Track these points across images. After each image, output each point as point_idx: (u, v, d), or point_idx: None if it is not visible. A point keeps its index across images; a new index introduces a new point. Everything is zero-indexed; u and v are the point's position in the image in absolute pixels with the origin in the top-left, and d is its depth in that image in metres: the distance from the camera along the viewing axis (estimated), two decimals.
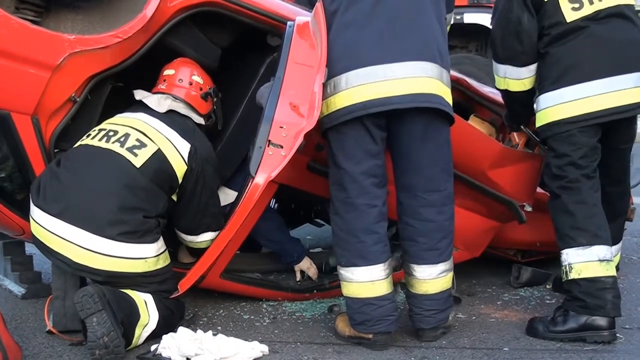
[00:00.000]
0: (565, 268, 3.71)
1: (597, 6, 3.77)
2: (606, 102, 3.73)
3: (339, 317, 3.83)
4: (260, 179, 3.44)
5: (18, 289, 4.48)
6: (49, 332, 3.73)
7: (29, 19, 3.71)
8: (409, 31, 3.50)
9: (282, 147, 3.43)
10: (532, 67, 3.95)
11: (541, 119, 3.85)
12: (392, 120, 3.53)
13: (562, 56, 3.77)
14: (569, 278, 3.70)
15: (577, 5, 3.76)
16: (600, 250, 3.68)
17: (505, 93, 4.14)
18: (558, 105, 3.77)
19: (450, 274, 3.73)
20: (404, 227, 3.67)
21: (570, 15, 3.76)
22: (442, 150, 3.62)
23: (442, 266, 3.66)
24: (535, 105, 3.93)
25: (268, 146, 3.44)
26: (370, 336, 3.59)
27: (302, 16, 4.00)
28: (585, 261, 3.67)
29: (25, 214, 3.67)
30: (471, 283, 4.58)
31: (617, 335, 3.63)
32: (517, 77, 3.98)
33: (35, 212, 3.58)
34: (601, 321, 3.63)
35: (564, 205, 3.76)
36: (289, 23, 3.89)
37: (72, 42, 3.66)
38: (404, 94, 3.43)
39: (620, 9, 3.82)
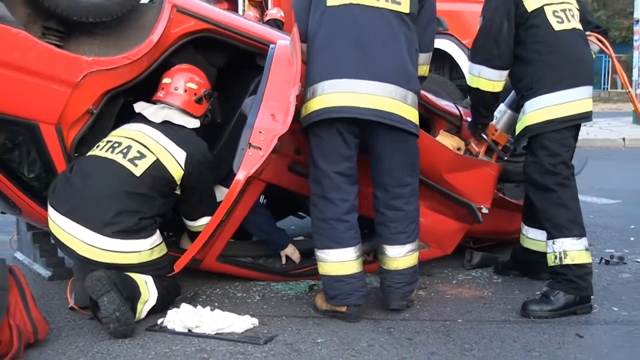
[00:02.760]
0: (560, 254, 3.75)
1: (573, 24, 3.89)
2: (586, 106, 3.86)
3: (318, 294, 3.88)
4: (241, 175, 3.44)
5: (45, 272, 4.48)
6: (71, 308, 3.76)
7: (54, 43, 3.73)
8: (382, 56, 3.56)
9: (260, 148, 3.43)
10: (504, 73, 3.98)
11: (536, 118, 3.84)
12: (365, 129, 3.60)
13: (558, 64, 3.82)
14: (563, 263, 3.74)
15: (559, 20, 3.85)
16: (586, 241, 3.80)
17: (474, 92, 4.10)
18: (556, 106, 3.81)
19: (416, 254, 3.80)
20: (379, 215, 3.76)
21: (556, 25, 3.84)
22: (408, 155, 3.69)
23: (409, 246, 3.74)
24: (525, 107, 3.91)
25: (249, 148, 3.45)
26: (344, 309, 3.65)
27: (282, 40, 4.05)
28: (579, 250, 3.75)
29: None
30: (430, 265, 4.61)
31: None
32: (488, 78, 3.97)
33: (50, 210, 3.61)
34: (585, 299, 3.77)
35: (560, 200, 3.80)
36: (270, 45, 3.93)
37: (89, 62, 3.70)
38: (367, 107, 3.50)
39: (582, 32, 3.96)
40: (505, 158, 4.40)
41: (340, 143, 3.59)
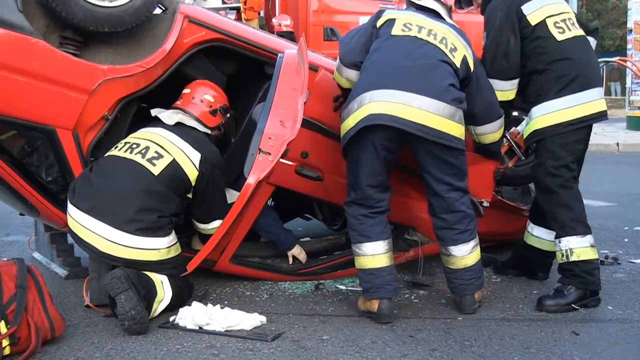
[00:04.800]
0: (567, 252, 3.78)
1: (574, 33, 3.91)
2: (593, 108, 3.85)
3: (361, 295, 3.84)
4: (252, 179, 3.45)
5: (62, 271, 4.49)
6: (87, 306, 3.76)
7: (71, 52, 3.74)
8: (434, 78, 3.56)
9: (270, 154, 3.44)
10: (515, 82, 3.99)
11: (541, 123, 3.86)
12: (411, 142, 3.60)
13: (564, 71, 3.83)
14: (570, 260, 3.77)
15: (561, 31, 3.88)
16: (591, 238, 3.82)
17: None
18: (561, 110, 3.82)
19: (479, 247, 3.80)
20: (439, 220, 3.75)
21: (558, 36, 3.86)
22: (455, 165, 3.66)
23: (473, 242, 3.75)
24: (532, 113, 3.93)
25: (259, 153, 3.46)
26: (376, 307, 3.63)
27: (290, 49, 4.05)
28: (584, 247, 3.78)
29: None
30: (431, 265, 4.59)
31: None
32: (502, 89, 3.98)
33: (70, 208, 3.61)
34: (595, 292, 3.82)
35: (562, 201, 3.83)
36: (279, 55, 3.95)
37: (105, 71, 3.72)
38: (414, 122, 3.48)
39: (585, 38, 3.98)
40: (523, 159, 4.43)
41: (374, 160, 3.60)
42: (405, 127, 3.48)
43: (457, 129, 3.58)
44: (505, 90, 4.01)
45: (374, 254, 3.66)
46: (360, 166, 3.63)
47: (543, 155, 3.89)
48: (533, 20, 3.90)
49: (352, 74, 3.79)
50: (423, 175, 3.72)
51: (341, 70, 3.85)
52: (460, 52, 3.71)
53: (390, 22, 3.72)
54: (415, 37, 3.65)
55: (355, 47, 3.79)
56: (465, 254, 3.72)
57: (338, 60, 3.88)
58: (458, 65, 3.67)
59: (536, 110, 3.91)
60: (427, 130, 3.50)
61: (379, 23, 3.76)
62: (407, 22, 3.70)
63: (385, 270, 3.67)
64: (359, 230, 3.69)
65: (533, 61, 3.91)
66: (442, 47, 3.64)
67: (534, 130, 3.91)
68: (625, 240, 5.56)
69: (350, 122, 3.59)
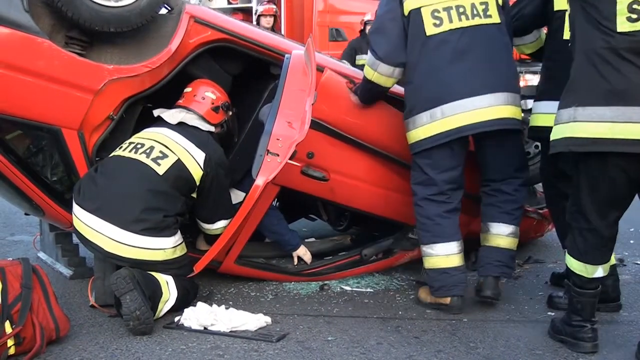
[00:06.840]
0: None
1: None
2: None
3: (421, 288, 3.93)
4: (260, 180, 3.45)
5: (67, 271, 4.48)
6: (92, 306, 3.75)
7: (76, 52, 3.73)
8: (491, 68, 3.65)
9: (278, 155, 3.44)
10: (525, 38, 3.96)
11: (541, 121, 3.79)
12: (478, 137, 3.73)
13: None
14: None
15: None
16: None
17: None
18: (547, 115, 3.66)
19: (517, 239, 3.84)
20: (489, 197, 3.85)
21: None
22: (515, 153, 3.84)
23: (512, 227, 3.81)
24: (533, 106, 3.93)
25: (267, 154, 3.45)
26: (448, 301, 3.71)
27: (297, 50, 4.05)
28: None
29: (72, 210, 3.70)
30: None
31: None
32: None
33: (76, 208, 3.61)
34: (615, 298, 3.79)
35: (555, 215, 3.87)
36: (286, 55, 3.94)
37: (110, 71, 3.71)
38: (489, 119, 3.61)
39: None
40: None
41: (449, 157, 3.70)
42: (485, 128, 3.62)
43: (518, 113, 3.73)
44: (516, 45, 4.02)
45: (448, 254, 3.70)
46: (434, 163, 3.69)
47: (542, 160, 3.90)
48: (557, 5, 3.69)
49: (398, 71, 3.79)
50: (484, 166, 3.84)
51: (383, 70, 3.77)
52: (492, 2, 3.71)
53: (416, 12, 3.67)
54: (451, 29, 3.64)
55: (398, 45, 3.74)
56: (502, 234, 3.78)
57: (375, 59, 3.76)
58: (500, 21, 3.70)
59: (535, 106, 3.86)
60: (500, 122, 3.64)
61: (406, 11, 3.70)
62: (433, 10, 3.65)
63: (459, 270, 3.73)
64: (432, 231, 3.72)
65: (546, 53, 3.84)
66: (480, 20, 3.66)
67: (532, 126, 3.86)
68: (631, 242, 5.54)
69: (421, 134, 3.69)
